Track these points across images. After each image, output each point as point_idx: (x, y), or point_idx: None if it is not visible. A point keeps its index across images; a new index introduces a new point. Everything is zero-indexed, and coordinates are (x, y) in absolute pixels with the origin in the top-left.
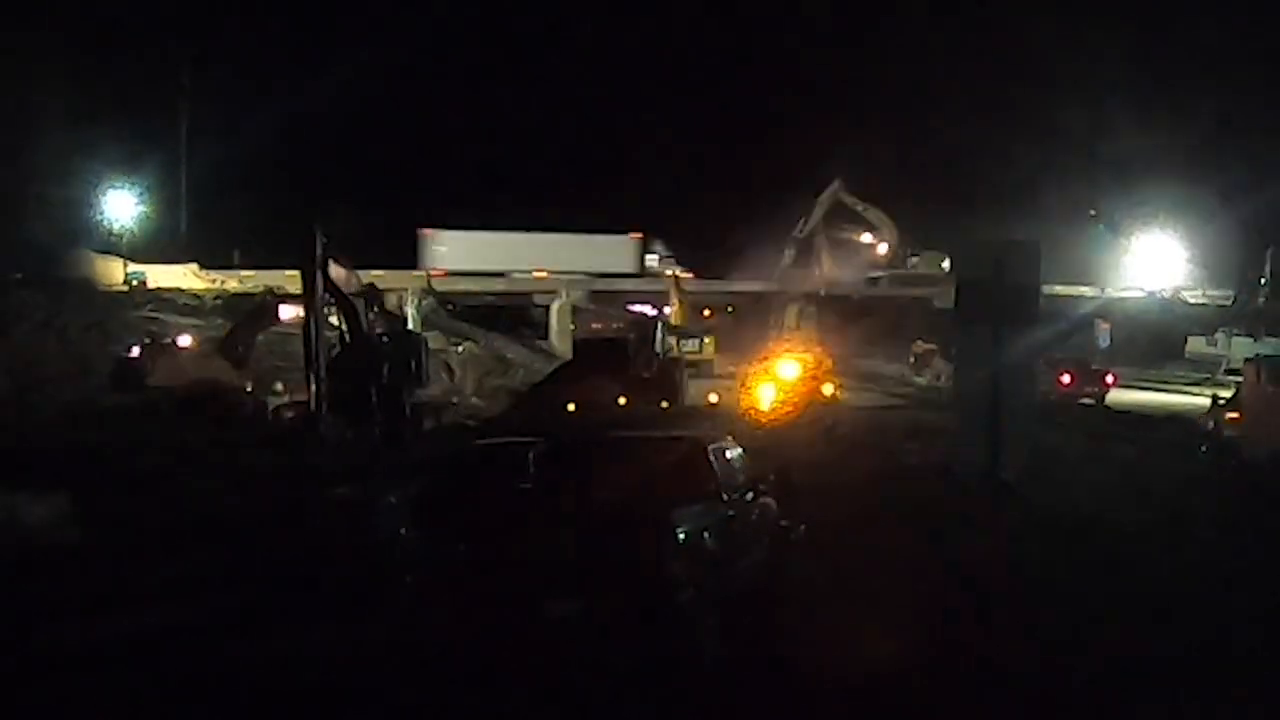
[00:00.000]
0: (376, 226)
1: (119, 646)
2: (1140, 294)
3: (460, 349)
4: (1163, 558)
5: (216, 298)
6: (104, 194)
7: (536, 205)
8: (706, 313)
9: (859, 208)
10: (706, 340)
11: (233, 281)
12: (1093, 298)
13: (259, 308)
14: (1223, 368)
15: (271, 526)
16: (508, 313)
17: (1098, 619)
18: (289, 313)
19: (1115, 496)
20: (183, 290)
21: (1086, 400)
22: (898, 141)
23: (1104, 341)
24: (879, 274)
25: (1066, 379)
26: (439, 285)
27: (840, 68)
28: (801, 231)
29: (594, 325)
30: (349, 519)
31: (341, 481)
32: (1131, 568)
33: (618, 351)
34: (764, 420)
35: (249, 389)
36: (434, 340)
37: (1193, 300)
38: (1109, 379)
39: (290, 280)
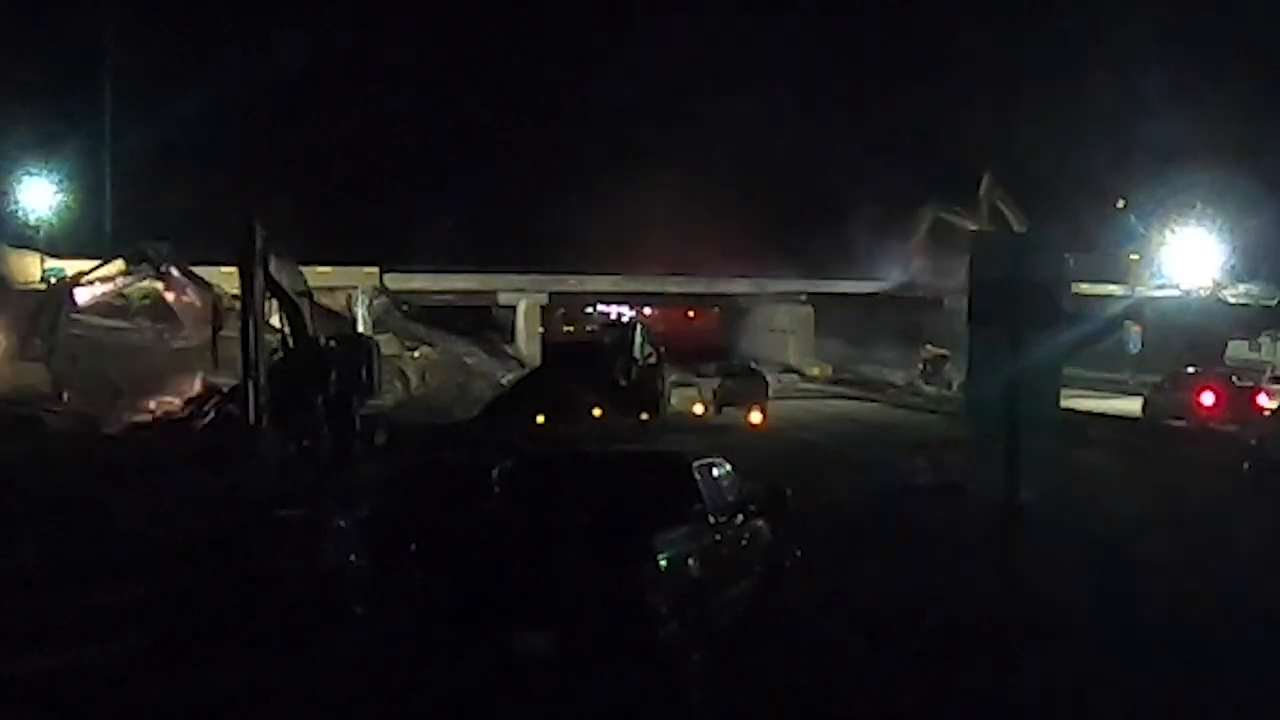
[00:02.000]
0: (322, 218)
1: (27, 687)
2: (1175, 293)
3: (416, 354)
4: (1196, 592)
5: (144, 297)
6: (18, 181)
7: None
8: (691, 313)
9: (1005, 207)
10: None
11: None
12: (1122, 297)
13: (49, 294)
14: (1267, 375)
15: (205, 553)
16: (469, 314)
17: (1118, 661)
18: (86, 295)
19: (1148, 521)
20: None
21: (1231, 426)
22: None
23: (1134, 345)
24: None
25: (1210, 399)
26: (392, 283)
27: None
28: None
29: (565, 329)
30: (292, 544)
31: (284, 502)
32: (1162, 602)
33: (592, 357)
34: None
35: (64, 397)
36: (387, 344)
37: (1233, 300)
38: (1261, 399)
39: (227, 278)
